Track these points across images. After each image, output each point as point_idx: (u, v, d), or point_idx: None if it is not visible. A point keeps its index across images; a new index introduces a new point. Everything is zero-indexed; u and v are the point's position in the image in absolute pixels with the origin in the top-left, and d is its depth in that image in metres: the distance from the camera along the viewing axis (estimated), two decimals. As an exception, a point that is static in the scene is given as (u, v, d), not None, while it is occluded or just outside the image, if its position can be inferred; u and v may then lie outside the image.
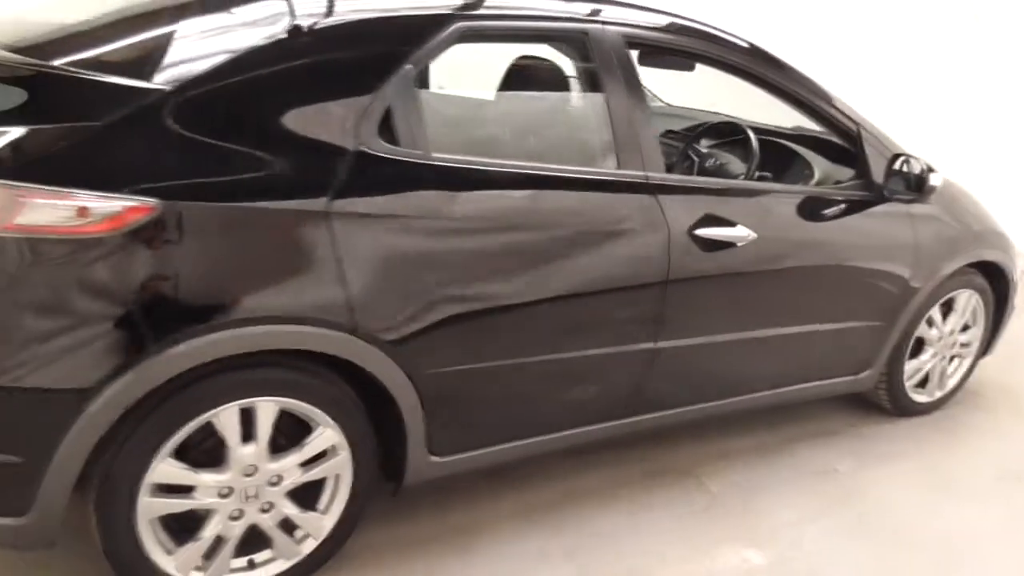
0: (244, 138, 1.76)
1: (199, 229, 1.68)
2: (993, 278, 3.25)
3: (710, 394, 2.63)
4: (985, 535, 2.57)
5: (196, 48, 1.85)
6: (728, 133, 3.08)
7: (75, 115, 1.64)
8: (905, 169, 2.72)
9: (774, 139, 3.06)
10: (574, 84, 2.37)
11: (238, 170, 1.75)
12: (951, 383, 3.37)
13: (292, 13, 1.88)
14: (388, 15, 2.00)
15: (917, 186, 2.72)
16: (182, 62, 1.79)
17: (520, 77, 2.43)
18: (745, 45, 2.56)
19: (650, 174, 2.27)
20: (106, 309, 1.62)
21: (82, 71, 1.71)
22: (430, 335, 1.95)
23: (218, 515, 1.87)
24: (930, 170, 2.72)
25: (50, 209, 1.58)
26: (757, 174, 2.80)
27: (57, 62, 1.76)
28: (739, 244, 2.41)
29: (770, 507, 2.62)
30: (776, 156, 2.97)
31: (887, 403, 3.22)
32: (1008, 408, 3.46)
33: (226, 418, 1.80)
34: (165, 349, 1.66)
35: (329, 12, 1.93)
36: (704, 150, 3.03)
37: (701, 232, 2.33)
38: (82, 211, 1.59)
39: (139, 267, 1.63)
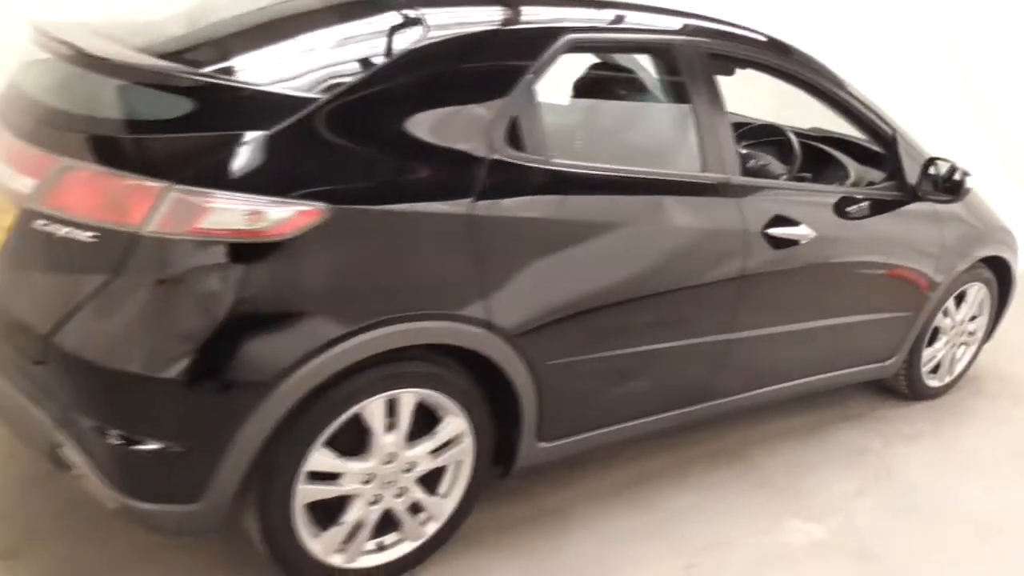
0: (391, 144, 1.86)
1: (359, 231, 1.79)
2: (997, 271, 3.53)
3: (767, 381, 2.83)
4: (1013, 507, 2.84)
5: (338, 57, 1.93)
6: (763, 135, 3.27)
7: (244, 124, 1.73)
8: (940, 172, 2.95)
9: (807, 141, 3.26)
10: (657, 92, 2.53)
11: (389, 175, 1.85)
12: (958, 369, 3.66)
13: (423, 23, 1.97)
14: (511, 27, 2.11)
15: (953, 188, 2.95)
16: (329, 71, 1.87)
17: (597, 84, 2.57)
18: (803, 54, 2.75)
19: (730, 177, 2.44)
20: (280, 308, 1.72)
21: (245, 83, 1.79)
22: (549, 329, 2.09)
23: (360, 500, 1.99)
24: (965, 174, 2.95)
25: (229, 214, 1.67)
26: (797, 175, 3.00)
27: (209, 70, 1.83)
28: (802, 242, 2.60)
29: (818, 484, 2.84)
30: (809, 158, 3.17)
31: (904, 388, 3.48)
32: (1007, 394, 3.76)
33: (374, 409, 1.91)
34: (334, 345, 1.77)
35: (456, 23, 2.03)
36: (743, 151, 3.22)
37: (772, 231, 2.52)
38: (258, 215, 1.68)
39: (308, 268, 1.73)
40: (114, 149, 1.71)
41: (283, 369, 1.72)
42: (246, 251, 1.68)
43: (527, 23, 2.14)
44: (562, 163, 2.10)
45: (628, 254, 2.22)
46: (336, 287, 1.77)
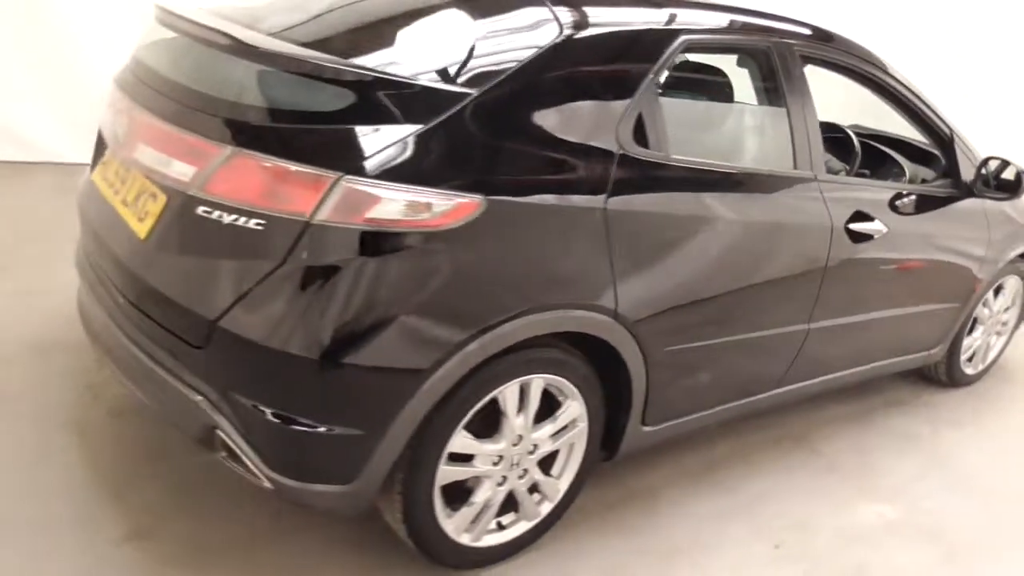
0: (534, 139, 1.93)
1: (510, 223, 1.85)
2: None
3: (835, 368, 2.96)
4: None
5: (482, 51, 1.97)
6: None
7: (405, 118, 1.78)
8: (997, 170, 3.09)
9: (863, 140, 3.37)
10: (756, 92, 2.62)
11: (533, 168, 1.92)
12: (991, 357, 3.82)
13: (558, 21, 2.03)
14: (637, 28, 2.18)
15: (1011, 186, 3.09)
16: (476, 65, 1.92)
17: (693, 83, 2.65)
18: (875, 56, 2.85)
19: (817, 175, 2.55)
20: (441, 296, 1.78)
21: (403, 77, 1.84)
22: (662, 318, 2.18)
23: (489, 481, 2.06)
24: (1022, 172, 3.09)
25: (396, 204, 1.72)
26: (858, 172, 3.12)
27: (364, 63, 1.88)
28: (875, 237, 2.72)
29: (880, 468, 2.98)
30: (865, 156, 3.29)
31: (944, 375, 3.64)
32: (1033, 380, 3.94)
33: (508, 393, 1.99)
34: (485, 332, 1.83)
35: (587, 23, 2.09)
36: None
37: (853, 226, 2.63)
38: (424, 207, 1.74)
39: (466, 258, 1.79)
40: (280, 139, 1.75)
41: (442, 356, 1.79)
42: (411, 241, 1.74)
43: (649, 24, 2.21)
44: (679, 160, 2.18)
45: (732, 247, 2.31)
46: (490, 277, 1.84)
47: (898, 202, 2.89)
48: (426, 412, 1.82)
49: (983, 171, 3.13)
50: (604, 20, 2.13)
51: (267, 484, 1.83)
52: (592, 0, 2.18)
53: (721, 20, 2.39)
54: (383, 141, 1.75)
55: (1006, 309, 3.74)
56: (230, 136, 1.78)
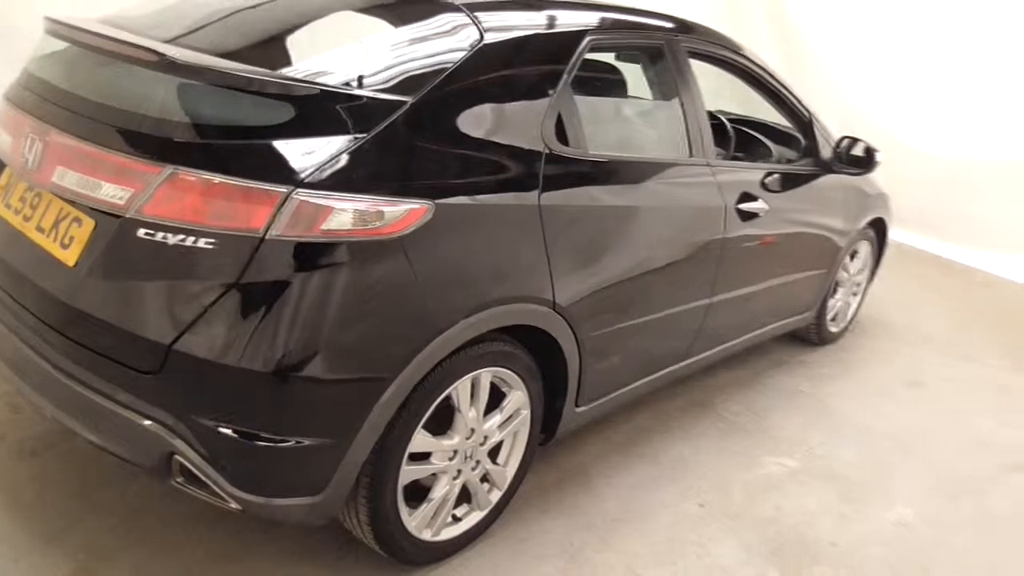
0: (468, 142, 2.00)
1: (457, 225, 1.91)
2: (877, 229, 4.14)
3: (730, 336, 3.22)
4: (918, 423, 3.43)
5: (407, 57, 2.00)
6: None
7: (346, 128, 1.80)
8: (849, 148, 3.45)
9: (733, 125, 3.66)
10: (649, 86, 2.80)
11: (471, 170, 1.99)
12: (849, 315, 4.26)
13: (478, 26, 2.10)
14: (549, 31, 2.29)
15: (864, 162, 3.45)
16: (405, 73, 1.96)
17: (595, 81, 2.78)
18: (744, 48, 3.11)
19: (710, 161, 2.77)
20: (397, 302, 1.82)
21: (340, 87, 1.85)
22: (590, 304, 2.31)
23: (446, 476, 2.13)
24: (875, 149, 3.46)
25: (349, 215, 1.75)
26: (732, 156, 3.40)
27: (290, 73, 1.88)
28: (760, 215, 2.98)
29: (775, 424, 3.27)
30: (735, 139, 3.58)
31: (814, 335, 4.02)
32: (885, 335, 4.42)
33: (461, 389, 2.06)
34: (442, 332, 1.89)
35: (504, 27, 2.17)
36: None
37: (742, 206, 2.88)
38: (376, 215, 1.78)
39: (419, 263, 1.84)
40: (221, 155, 1.73)
41: (403, 359, 1.83)
42: (365, 249, 1.76)
43: (559, 26, 2.32)
44: (595, 154, 2.32)
45: (646, 232, 2.48)
46: (442, 278, 1.90)
47: (769, 180, 3.17)
48: (391, 416, 1.86)
49: (839, 149, 3.48)
50: (518, 23, 2.23)
51: (233, 505, 1.81)
52: (502, 5, 2.26)
53: (619, 19, 2.54)
54: (329, 152, 1.76)
55: (859, 272, 4.18)
56: (166, 154, 1.74)
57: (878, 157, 3.45)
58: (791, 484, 2.86)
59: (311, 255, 1.72)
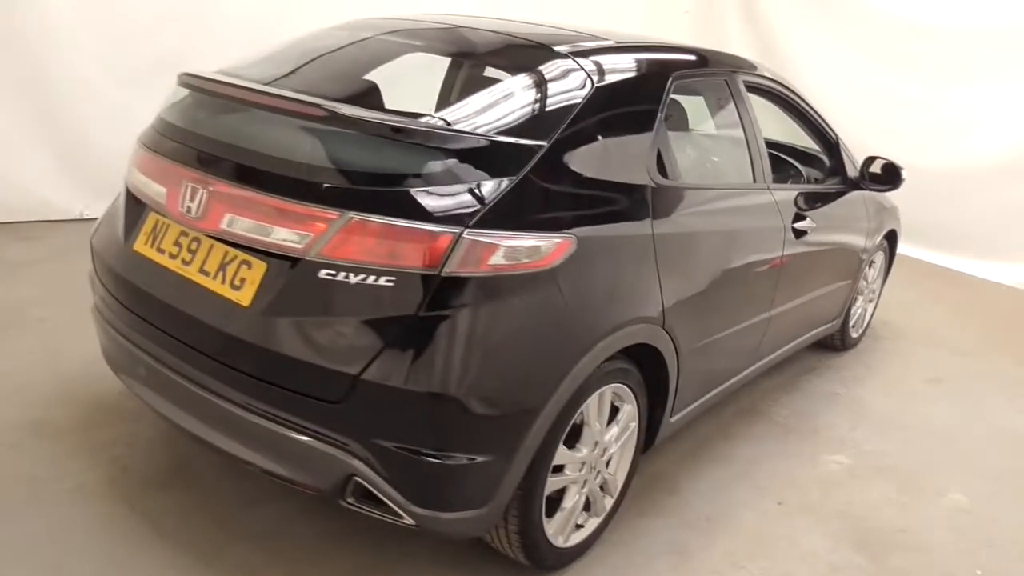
0: (593, 179, 2.19)
1: (593, 255, 2.10)
2: (889, 240, 4.45)
3: (781, 345, 3.46)
4: (946, 415, 3.72)
5: (533, 104, 2.19)
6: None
7: (499, 172, 1.98)
8: (877, 166, 3.73)
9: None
10: (722, 119, 3.04)
11: (598, 205, 2.18)
12: (866, 321, 4.55)
13: (583, 70, 2.30)
14: (643, 72, 2.51)
15: (892, 178, 3.73)
16: (535, 119, 2.15)
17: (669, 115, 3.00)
18: (783, 78, 3.38)
19: (769, 185, 3.01)
20: (554, 328, 2.00)
21: (487, 135, 2.04)
22: (689, 321, 2.52)
23: (575, 486, 2.31)
24: (900, 167, 3.75)
25: (512, 250, 1.93)
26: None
27: (431, 120, 2.06)
28: (809, 232, 3.24)
29: (823, 424, 3.52)
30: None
31: (838, 341, 4.30)
32: (898, 337, 4.73)
33: (591, 404, 2.24)
34: (586, 353, 2.08)
35: (605, 71, 2.37)
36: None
37: (796, 225, 3.13)
38: (534, 250, 1.96)
39: (568, 291, 2.02)
40: (393, 201, 1.89)
41: (558, 380, 2.01)
42: (525, 282, 1.95)
43: (652, 68, 2.54)
44: (686, 184, 2.54)
45: (728, 252, 2.71)
46: (585, 305, 2.08)
47: (808, 200, 3.43)
48: (545, 432, 2.04)
49: (866, 167, 3.76)
50: (617, 66, 2.44)
51: (407, 520, 1.96)
52: (597, 51, 2.47)
53: (693, 59, 2.77)
54: (488, 194, 1.95)
55: (875, 280, 4.48)
56: (341, 201, 1.90)
57: (904, 174, 3.74)
58: (851, 480, 3.10)
59: (480, 288, 1.89)
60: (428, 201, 1.91)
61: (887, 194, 4.26)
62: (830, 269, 3.71)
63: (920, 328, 4.92)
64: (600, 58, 2.42)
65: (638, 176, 2.32)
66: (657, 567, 2.46)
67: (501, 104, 2.19)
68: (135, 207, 2.33)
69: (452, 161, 1.97)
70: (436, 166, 1.96)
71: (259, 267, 1.97)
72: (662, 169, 2.43)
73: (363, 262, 1.87)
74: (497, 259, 1.91)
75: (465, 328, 1.88)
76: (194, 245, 2.12)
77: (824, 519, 2.82)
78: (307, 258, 1.90)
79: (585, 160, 2.19)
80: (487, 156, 2.01)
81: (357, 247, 1.88)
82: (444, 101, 2.22)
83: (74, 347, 3.27)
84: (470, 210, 1.91)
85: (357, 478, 1.92)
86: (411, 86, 2.32)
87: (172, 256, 2.16)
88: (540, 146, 2.08)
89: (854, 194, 3.80)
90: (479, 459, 1.93)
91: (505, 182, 1.98)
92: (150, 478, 2.56)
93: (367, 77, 2.41)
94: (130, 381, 2.34)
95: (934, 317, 5.19)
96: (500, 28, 2.57)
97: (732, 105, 2.93)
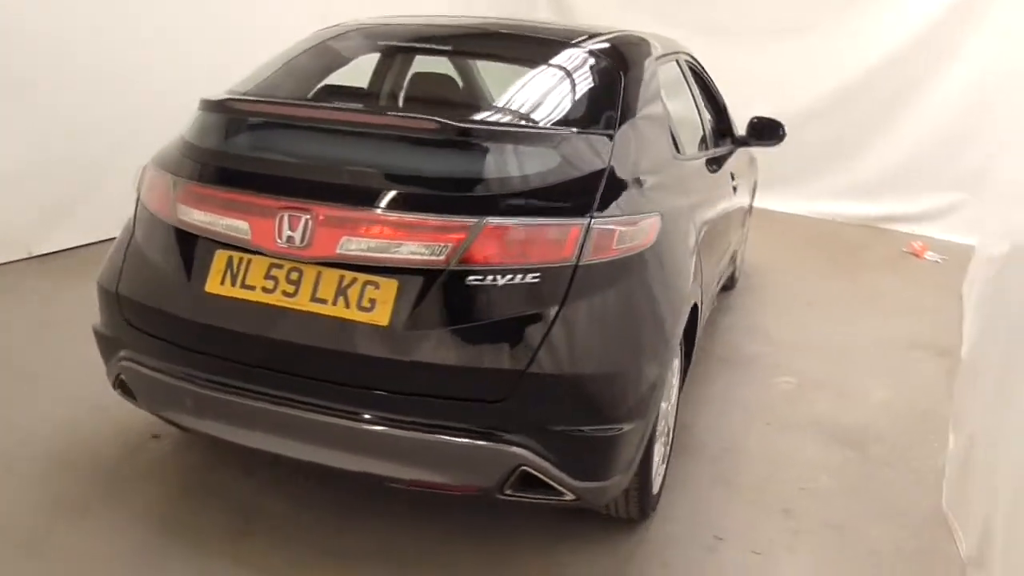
0: (652, 160, 2.43)
1: (669, 232, 2.31)
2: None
3: (715, 289, 3.93)
4: (832, 332, 4.44)
5: (587, 96, 2.39)
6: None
7: (594, 163, 2.16)
8: (762, 125, 4.27)
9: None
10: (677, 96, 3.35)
11: (663, 185, 2.41)
12: (740, 261, 5.21)
13: (610, 61, 2.52)
14: (642, 59, 2.73)
15: (775, 134, 4.28)
16: (596, 111, 2.35)
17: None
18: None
19: (716, 151, 3.42)
20: (663, 298, 2.21)
21: (574, 129, 2.19)
22: (703, 279, 2.83)
23: (664, 437, 2.55)
24: (782, 124, 4.30)
25: (626, 233, 2.11)
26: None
27: (546, 121, 2.24)
28: (736, 189, 3.71)
29: (753, 354, 4.05)
30: None
31: (729, 281, 4.89)
32: (758, 272, 5.45)
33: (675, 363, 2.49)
34: (680, 316, 2.32)
35: (624, 60, 2.60)
36: None
37: (733, 183, 3.58)
38: (639, 231, 2.15)
39: (665, 263, 2.24)
40: (525, 201, 2.00)
41: (672, 344, 2.24)
42: (640, 258, 2.13)
43: (655, 55, 2.80)
44: (690, 156, 2.85)
45: (718, 211, 3.11)
46: (674, 274, 2.31)
47: (718, 161, 3.89)
48: (663, 392, 2.26)
49: (755, 126, 4.28)
50: (625, 55, 2.67)
51: (568, 496, 2.09)
52: (602, 42, 2.69)
53: (657, 44, 3.04)
54: (594, 185, 2.12)
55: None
56: (473, 208, 1.97)
57: (784, 130, 4.30)
58: (803, 394, 3.64)
59: (610, 272, 2.06)
60: (552, 197, 2.04)
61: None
62: (737, 218, 4.22)
63: (768, 262, 5.67)
64: (610, 49, 2.64)
65: (669, 152, 2.58)
66: (715, 498, 2.77)
67: (565, 100, 2.36)
68: (189, 245, 2.18)
69: (561, 158, 2.10)
70: (550, 164, 2.08)
71: (388, 285, 1.98)
72: (675, 145, 2.70)
73: (505, 264, 1.96)
74: (617, 243, 2.08)
75: (608, 309, 2.05)
76: (294, 275, 2.05)
77: (804, 429, 3.31)
78: (449, 268, 1.94)
79: (639, 143, 2.41)
80: (582, 150, 2.17)
81: (497, 250, 1.96)
82: (511, 101, 2.31)
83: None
84: (588, 201, 2.06)
85: (525, 467, 2.01)
86: (475, 90, 2.41)
87: (267, 291, 2.07)
88: (611, 134, 2.27)
89: (741, 151, 4.33)
90: (627, 427, 2.10)
91: (601, 170, 2.15)
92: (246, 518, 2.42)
93: (427, 85, 2.44)
94: (216, 426, 2.21)
95: (773, 252, 5.98)
96: (502, 27, 2.70)
97: (684, 83, 3.27)
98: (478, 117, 2.18)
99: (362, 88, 2.51)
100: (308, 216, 2.01)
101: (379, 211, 1.98)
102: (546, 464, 2.02)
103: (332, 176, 2.05)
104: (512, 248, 1.97)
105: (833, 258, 5.96)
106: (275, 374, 2.07)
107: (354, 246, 1.99)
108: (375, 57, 2.58)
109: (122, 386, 2.35)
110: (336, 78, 2.49)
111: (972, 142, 6.47)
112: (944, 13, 6.55)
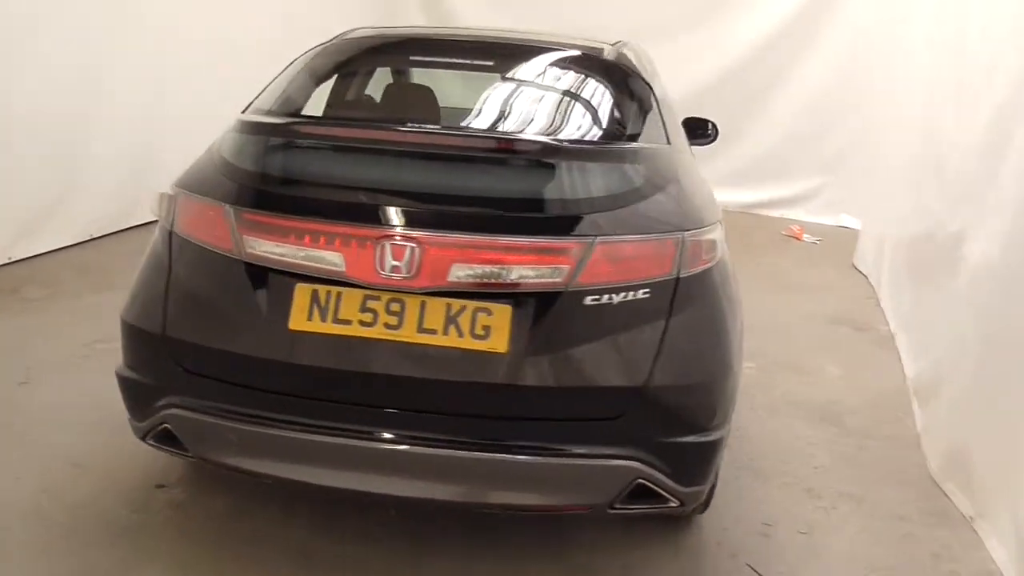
0: (695, 167, 2.52)
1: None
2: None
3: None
4: (773, 313, 4.75)
5: (631, 109, 2.42)
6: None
7: (666, 177, 2.21)
8: (696, 126, 4.48)
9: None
10: None
11: (703, 187, 2.50)
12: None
13: (635, 70, 2.59)
14: (637, 63, 2.83)
15: (710, 134, 4.49)
16: (641, 125, 2.40)
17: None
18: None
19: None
20: (736, 302, 2.28)
21: (646, 144, 2.23)
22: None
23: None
24: (715, 124, 4.52)
25: (709, 243, 2.17)
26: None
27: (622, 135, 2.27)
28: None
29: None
30: None
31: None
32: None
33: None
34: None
35: (641, 66, 2.67)
36: None
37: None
38: (717, 241, 2.22)
39: (728, 267, 2.32)
40: (627, 218, 2.02)
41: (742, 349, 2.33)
42: (718, 268, 2.20)
43: (640, 60, 2.88)
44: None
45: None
46: (732, 274, 2.37)
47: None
48: None
49: (689, 126, 4.47)
50: (635, 61, 2.74)
51: (672, 503, 2.13)
52: (616, 50, 2.75)
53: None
54: (674, 195, 2.18)
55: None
56: (583, 228, 1.97)
57: (716, 129, 4.53)
58: (768, 377, 3.86)
59: (703, 282, 2.12)
60: (648, 212, 2.08)
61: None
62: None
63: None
64: (622, 57, 2.70)
65: (691, 153, 2.68)
66: (745, 484, 2.92)
67: (621, 114, 2.38)
68: (259, 280, 2.01)
69: (645, 171, 2.14)
70: (638, 180, 2.12)
71: (502, 311, 1.93)
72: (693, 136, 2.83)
73: (617, 281, 1.97)
74: (705, 253, 2.15)
75: (703, 319, 2.11)
76: (395, 307, 1.95)
77: (784, 409, 3.55)
78: (568, 289, 1.93)
79: (684, 149, 2.49)
80: (657, 162, 2.23)
81: (609, 268, 1.98)
82: (578, 118, 2.31)
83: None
84: (677, 214, 2.11)
85: (641, 480, 2.04)
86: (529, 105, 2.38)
87: (365, 324, 1.95)
88: (668, 146, 2.34)
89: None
90: (725, 430, 2.18)
91: (676, 181, 2.22)
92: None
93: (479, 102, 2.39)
94: (296, 469, 2.06)
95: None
96: (531, 40, 2.69)
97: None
98: (557, 135, 2.16)
99: (428, 107, 2.40)
100: (414, 245, 1.91)
101: (489, 236, 1.92)
102: (660, 475, 2.05)
103: (433, 202, 1.97)
104: (622, 265, 1.98)
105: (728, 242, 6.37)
106: (373, 409, 1.97)
107: (465, 273, 1.92)
108: (412, 71, 2.47)
109: (163, 435, 2.13)
110: (395, 96, 2.36)
111: (833, 129, 7.12)
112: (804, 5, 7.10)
